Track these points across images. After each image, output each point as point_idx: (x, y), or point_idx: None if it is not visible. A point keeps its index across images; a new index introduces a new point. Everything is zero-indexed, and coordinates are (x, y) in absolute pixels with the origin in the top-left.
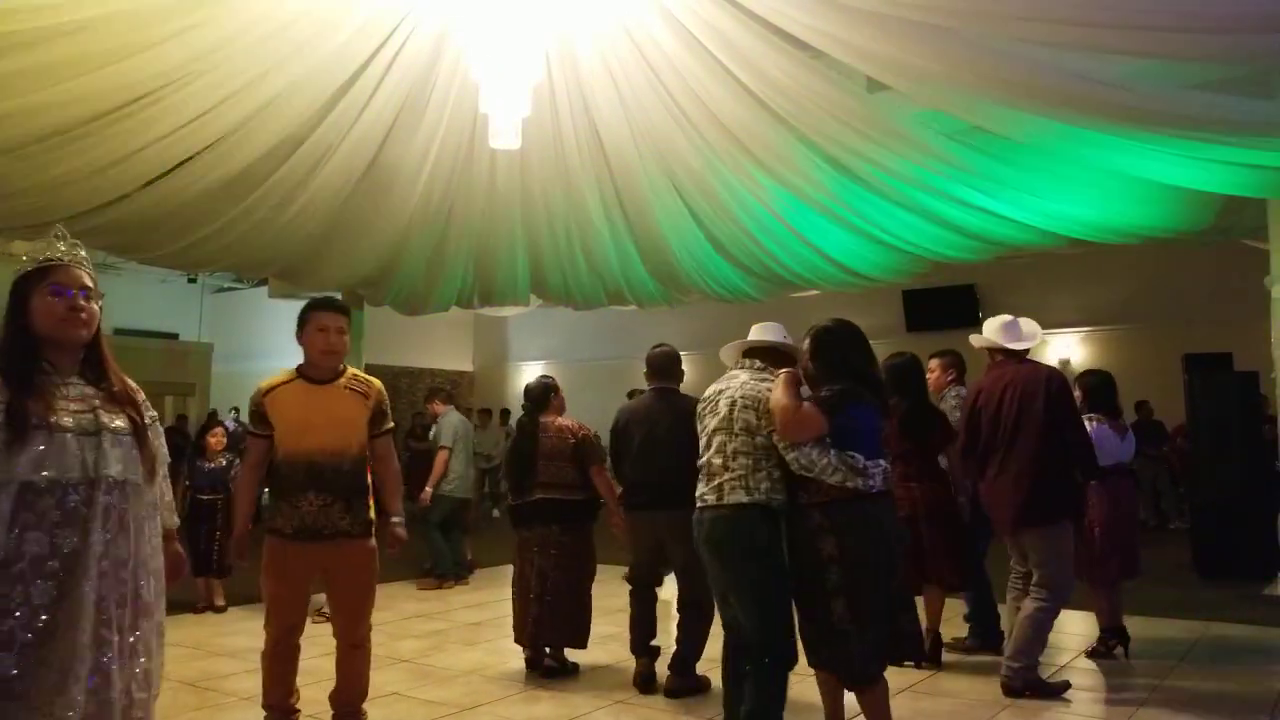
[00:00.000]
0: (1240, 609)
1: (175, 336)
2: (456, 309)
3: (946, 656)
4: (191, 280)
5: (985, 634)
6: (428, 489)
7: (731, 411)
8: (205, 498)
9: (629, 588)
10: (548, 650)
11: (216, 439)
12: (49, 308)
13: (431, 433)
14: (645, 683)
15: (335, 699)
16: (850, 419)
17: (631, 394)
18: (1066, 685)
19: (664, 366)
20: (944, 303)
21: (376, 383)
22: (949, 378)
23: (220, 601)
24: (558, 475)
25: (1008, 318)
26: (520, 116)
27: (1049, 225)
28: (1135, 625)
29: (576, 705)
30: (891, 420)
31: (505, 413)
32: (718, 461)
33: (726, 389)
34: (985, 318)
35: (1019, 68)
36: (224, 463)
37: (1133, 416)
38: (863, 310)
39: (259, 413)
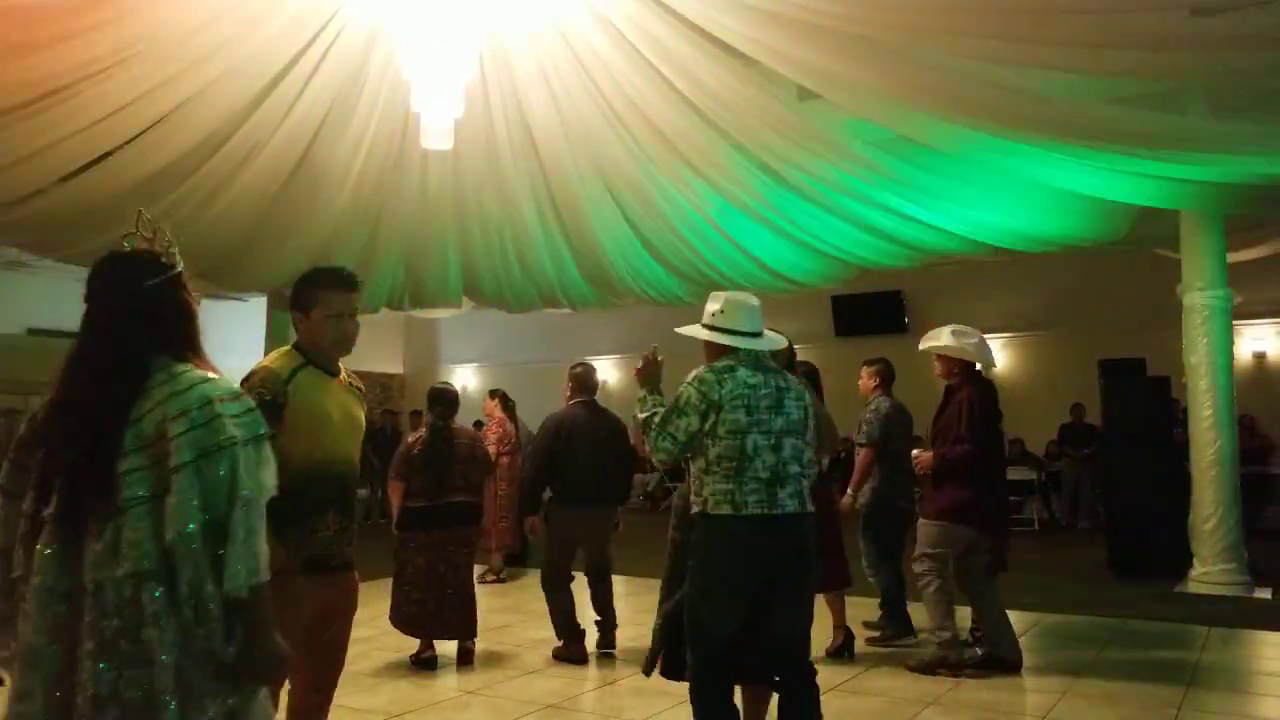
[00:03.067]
0: (1152, 606)
1: None
2: (387, 310)
3: (869, 650)
4: None
5: (899, 620)
6: None
7: (805, 417)
8: None
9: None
10: (469, 641)
11: None
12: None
13: None
14: (583, 658)
15: None
16: None
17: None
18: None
19: (591, 382)
20: (872, 308)
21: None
22: (874, 384)
23: None
24: (472, 479)
25: (978, 334)
26: (453, 117)
27: (973, 233)
28: (1051, 622)
29: (509, 711)
30: None
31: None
32: (795, 469)
33: (785, 387)
34: (912, 324)
35: (943, 79)
36: None
37: (1051, 418)
38: (792, 315)
39: (276, 404)
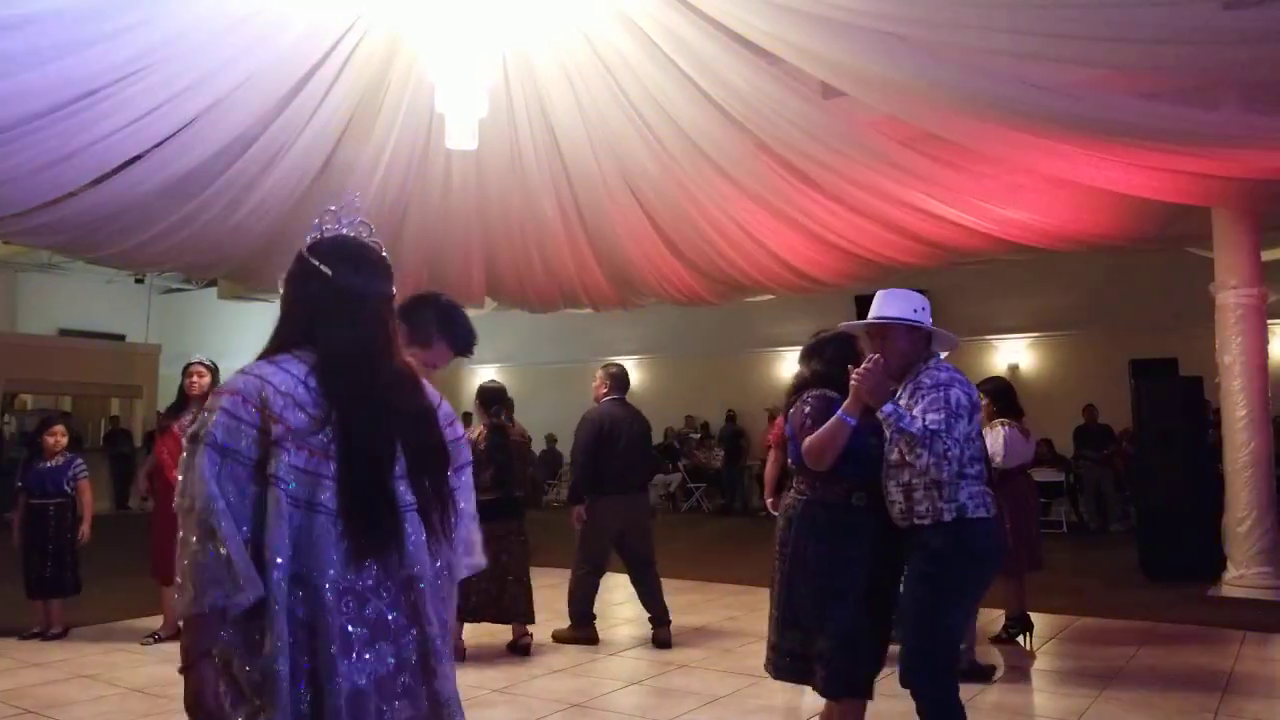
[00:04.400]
0: (1186, 609)
1: (122, 338)
2: None
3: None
4: (139, 280)
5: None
6: None
7: None
8: (36, 502)
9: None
10: (526, 629)
11: (55, 438)
12: None
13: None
14: (591, 641)
15: None
16: None
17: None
18: (993, 669)
19: (626, 381)
20: None
21: None
22: None
23: (57, 628)
24: (522, 473)
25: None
26: (477, 117)
27: (1000, 232)
28: (1083, 625)
29: (535, 709)
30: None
31: (466, 416)
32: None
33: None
34: (937, 324)
35: (971, 76)
36: (61, 461)
37: (1079, 420)
38: (814, 314)
39: None
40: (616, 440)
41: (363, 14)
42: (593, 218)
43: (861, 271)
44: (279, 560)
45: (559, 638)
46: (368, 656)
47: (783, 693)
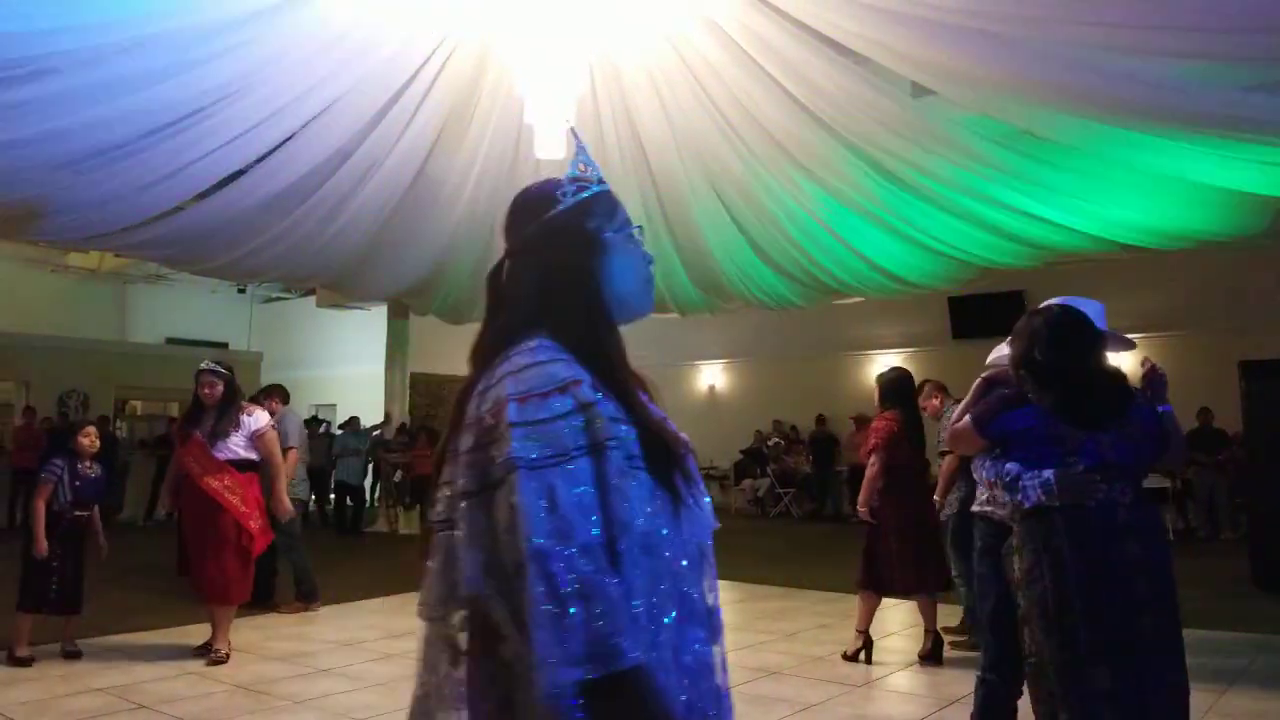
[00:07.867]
0: None
1: (225, 346)
2: None
3: (956, 654)
4: (241, 291)
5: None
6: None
7: None
8: (81, 514)
9: None
10: None
11: (90, 439)
12: (637, 264)
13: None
14: None
15: None
16: (1006, 426)
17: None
18: None
19: None
20: (990, 309)
21: None
22: (937, 399)
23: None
24: None
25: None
26: (565, 126)
27: (1100, 230)
28: (1191, 638)
29: None
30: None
31: None
32: None
33: None
34: None
35: (1067, 71)
36: (99, 470)
37: (1192, 424)
38: (908, 317)
39: None
40: None
41: (452, 30)
42: (679, 222)
43: (955, 273)
44: None
45: None
46: None
47: (876, 702)
